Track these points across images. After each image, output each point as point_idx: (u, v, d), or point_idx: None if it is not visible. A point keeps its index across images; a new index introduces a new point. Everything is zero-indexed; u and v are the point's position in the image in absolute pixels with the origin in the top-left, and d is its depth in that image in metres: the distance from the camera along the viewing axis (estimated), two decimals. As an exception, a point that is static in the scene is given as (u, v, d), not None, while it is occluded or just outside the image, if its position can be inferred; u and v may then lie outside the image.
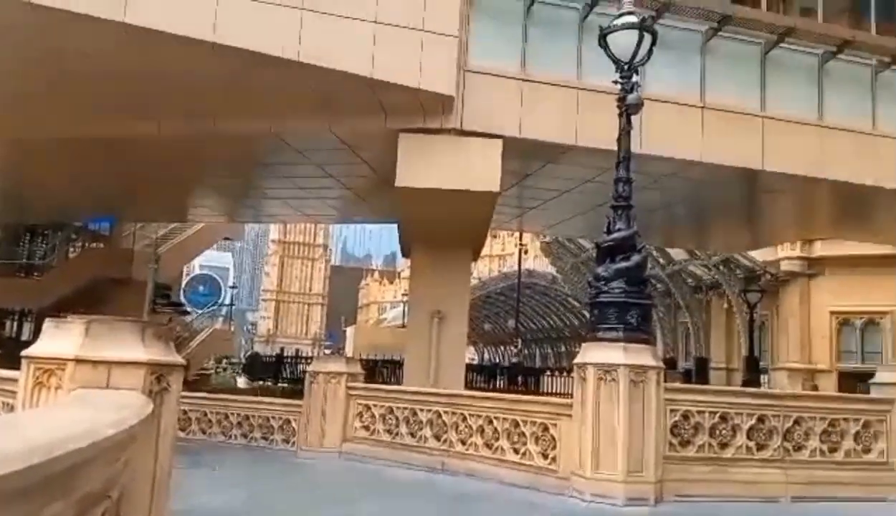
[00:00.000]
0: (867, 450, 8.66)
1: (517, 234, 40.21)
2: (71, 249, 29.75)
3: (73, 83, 12.13)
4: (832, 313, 27.40)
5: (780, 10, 14.33)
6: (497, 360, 60.53)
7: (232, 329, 54.48)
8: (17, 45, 10.96)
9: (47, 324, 3.27)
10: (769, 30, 13.68)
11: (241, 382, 27.42)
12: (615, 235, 8.29)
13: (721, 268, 29.36)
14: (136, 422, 2.25)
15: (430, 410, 9.99)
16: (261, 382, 26.44)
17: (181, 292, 41.89)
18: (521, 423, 8.78)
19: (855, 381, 20.89)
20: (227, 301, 57.80)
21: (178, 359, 3.24)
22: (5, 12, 9.78)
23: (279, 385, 24.01)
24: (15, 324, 28.81)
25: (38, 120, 13.41)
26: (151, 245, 28.79)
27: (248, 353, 56.73)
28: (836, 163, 13.90)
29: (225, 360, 35.11)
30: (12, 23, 10.16)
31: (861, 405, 9.13)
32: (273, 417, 11.61)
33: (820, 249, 27.04)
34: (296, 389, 16.62)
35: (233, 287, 67.66)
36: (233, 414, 11.95)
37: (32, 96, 12.78)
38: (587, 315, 9.25)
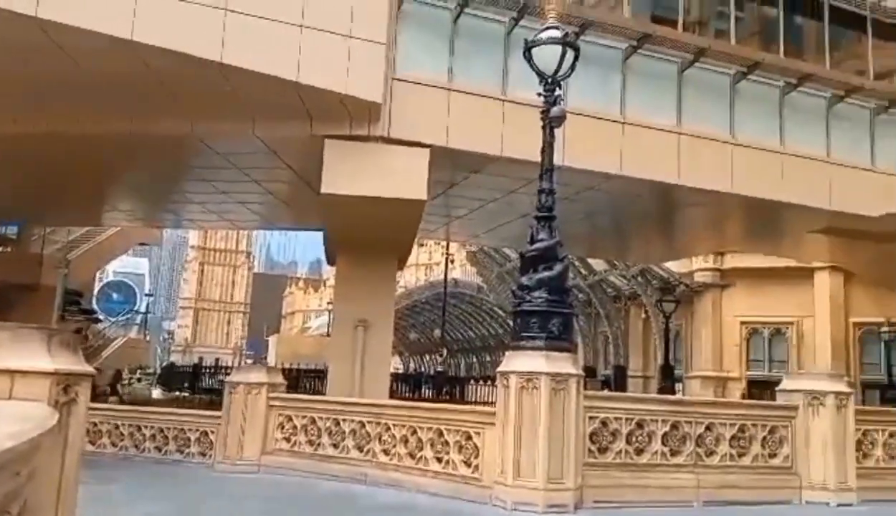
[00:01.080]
0: (773, 455, 9.07)
1: (444, 243, 40.39)
2: (-26, 253, 28.08)
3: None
4: (742, 323, 28.73)
5: (696, 32, 14.94)
6: (423, 370, 60.54)
7: (147, 338, 52.57)
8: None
9: (-57, 332, 3.07)
10: (685, 49, 14.26)
11: (157, 393, 26.43)
12: (538, 245, 8.44)
13: (639, 278, 30.34)
14: (38, 435, 2.14)
15: (353, 420, 9.89)
16: (177, 393, 25.55)
17: (93, 299, 40.13)
18: (444, 432, 8.80)
19: (763, 388, 21.96)
20: (143, 309, 55.70)
21: (87, 368, 3.09)
22: None
23: (197, 396, 23.26)
24: None
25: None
26: (62, 249, 27.48)
27: (165, 363, 54.83)
28: (747, 179, 14.59)
29: (139, 371, 33.80)
30: None
31: (768, 411, 9.56)
32: (189, 429, 11.23)
33: (731, 261, 28.32)
34: (214, 400, 16.17)
35: (149, 294, 65.33)
36: (146, 426, 11.50)
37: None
38: (512, 324, 9.39)
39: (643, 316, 32.16)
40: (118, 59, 10.49)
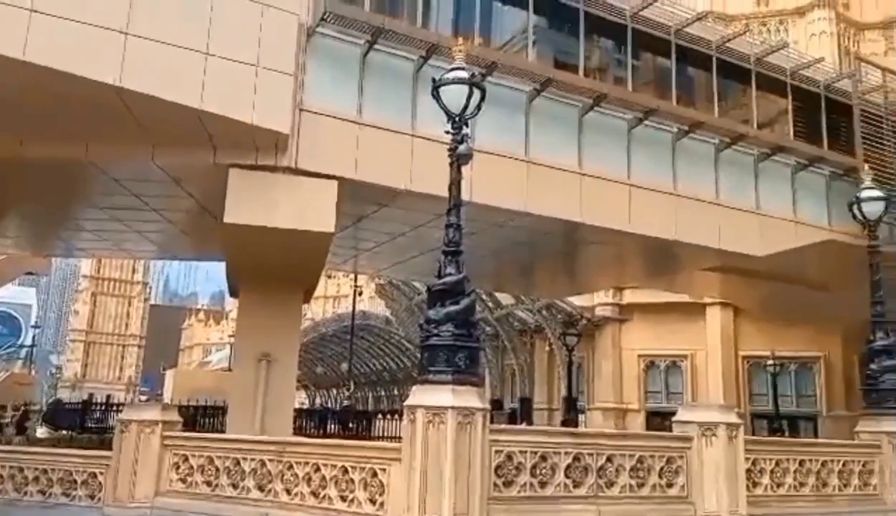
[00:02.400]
0: (670, 485, 9.37)
1: (352, 275, 40.05)
2: None
3: None
4: (640, 356, 29.84)
5: (597, 78, 15.65)
6: (329, 404, 59.40)
7: (34, 373, 49.25)
8: None
9: None
10: (586, 94, 14.89)
11: (42, 432, 24.70)
12: (446, 279, 8.51)
13: (544, 312, 31.05)
14: None
15: (254, 459, 9.55)
16: (64, 432, 23.96)
17: (-29, 332, 37.28)
18: (349, 469, 8.63)
19: (661, 420, 22.79)
20: (29, 341, 52.21)
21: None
22: None
23: (85, 435, 21.89)
24: None
25: None
26: (-64, 278, 25.47)
27: (51, 400, 51.39)
28: (644, 218, 15.29)
29: (23, 407, 31.55)
30: None
31: (665, 443, 9.88)
32: (76, 471, 10.55)
33: (629, 297, 29.45)
34: (105, 439, 15.28)
35: (35, 326, 61.32)
36: (28, 468, 10.72)
37: None
38: (419, 357, 9.39)
39: (548, 349, 32.86)
40: (8, 77, 9.96)
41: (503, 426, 13.77)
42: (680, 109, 15.93)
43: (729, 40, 16.87)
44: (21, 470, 10.72)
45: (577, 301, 29.44)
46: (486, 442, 8.09)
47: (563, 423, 23.85)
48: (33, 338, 52.81)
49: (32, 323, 65.64)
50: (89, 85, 10.10)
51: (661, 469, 9.35)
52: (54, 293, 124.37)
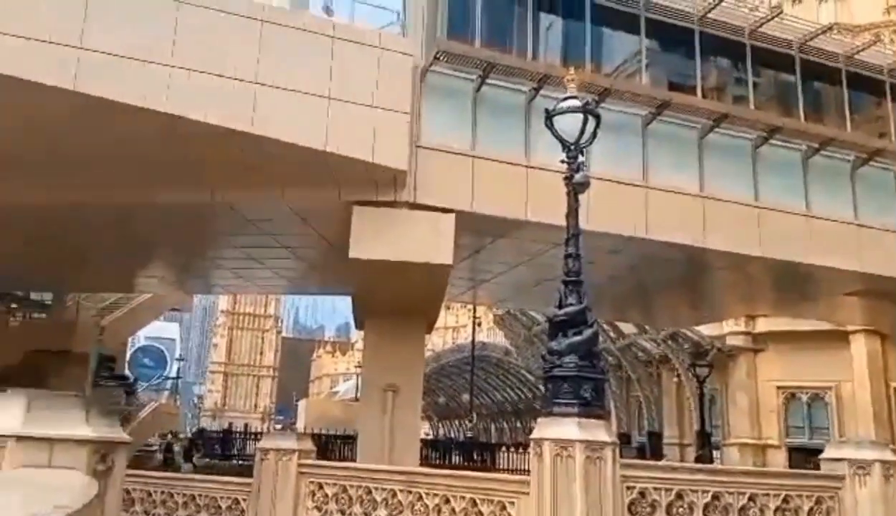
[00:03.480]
0: (821, 527, 8.73)
1: (470, 306, 40.35)
2: (11, 319, 28.68)
3: (16, 151, 11.99)
4: (778, 388, 27.97)
5: (715, 98, 15.16)
6: (452, 435, 59.65)
7: (178, 403, 52.73)
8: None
9: (-14, 400, 3.20)
10: (705, 115, 14.45)
11: (197, 460, 26.39)
12: (567, 310, 8.44)
13: (669, 342, 29.92)
14: (82, 506, 2.21)
15: (385, 489, 9.74)
16: (207, 459, 25.51)
17: (126, 364, 40.56)
18: (478, 502, 8.62)
19: (805, 457, 21.23)
20: (174, 373, 55.99)
21: (124, 436, 3.18)
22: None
23: (227, 462, 23.20)
24: (-54, 397, 27.39)
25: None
26: (96, 315, 27.98)
27: (195, 429, 54.81)
28: (774, 241, 14.53)
29: (170, 436, 33.85)
30: None
31: (813, 481, 9.19)
32: (221, 497, 11.18)
33: (763, 325, 27.80)
34: (244, 466, 16.11)
35: (179, 359, 65.77)
36: (178, 493, 11.47)
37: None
38: (542, 388, 9.31)
39: (676, 380, 31.55)
40: (150, 130, 10.94)
41: (634, 461, 13.33)
42: (808, 126, 15.11)
43: (858, 51, 15.89)
44: (171, 495, 11.46)
45: (705, 330, 28.14)
46: (618, 477, 7.87)
47: (697, 459, 22.72)
48: (178, 370, 56.61)
49: (177, 356, 70.43)
50: (225, 133, 10.92)
51: (810, 509, 8.72)
52: (195, 327, 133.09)
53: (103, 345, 28.21)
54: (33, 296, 28.25)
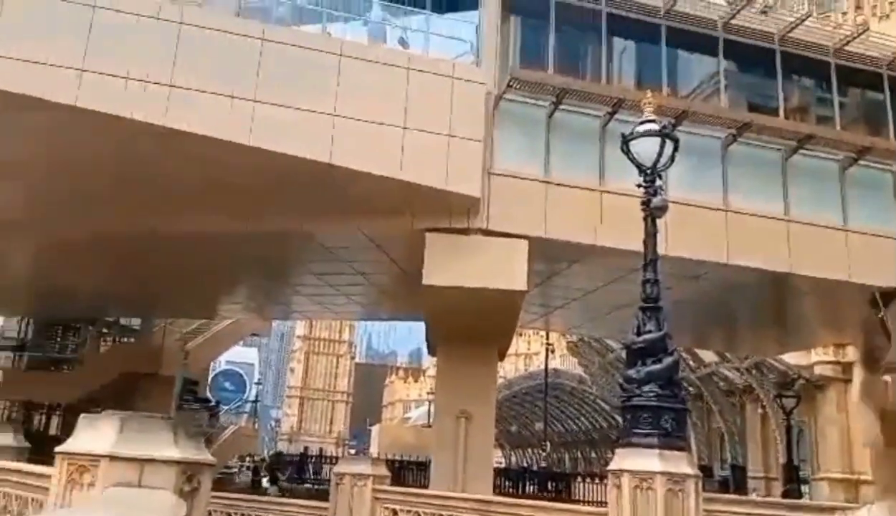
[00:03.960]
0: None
1: (543, 333, 39.91)
2: (102, 344, 30.11)
3: (107, 182, 12.66)
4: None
5: (798, 118, 14.63)
6: (525, 464, 58.82)
7: (256, 426, 54.02)
8: (54, 147, 11.59)
9: (82, 420, 3.35)
10: (788, 136, 13.96)
11: (264, 483, 26.94)
12: (646, 337, 8.24)
13: (753, 371, 28.76)
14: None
15: (458, 516, 9.69)
16: (286, 483, 25.98)
17: (207, 388, 41.88)
18: (553, 532, 8.48)
19: (901, 493, 19.89)
20: (252, 397, 57.39)
21: (209, 457, 3.27)
22: (50, 115, 10.40)
23: (304, 485, 23.55)
24: (43, 418, 28.90)
25: (71, 218, 13.90)
26: (181, 340, 29.06)
27: (272, 452, 55.92)
28: (865, 266, 13.83)
29: (249, 458, 34.66)
30: (52, 125, 10.78)
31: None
32: (298, 519, 11.36)
33: (854, 354, 26.40)
34: (320, 490, 16.29)
35: (258, 383, 67.40)
36: (256, 515, 11.71)
37: (66, 195, 13.33)
38: (618, 418, 9.09)
39: (760, 411, 30.28)
40: (234, 162, 11.38)
41: (717, 494, 12.79)
42: (900, 145, 14.39)
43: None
44: (250, 516, 11.72)
45: (792, 358, 26.94)
46: (700, 511, 7.57)
47: (784, 495, 21.59)
48: (256, 394, 58.00)
49: (255, 380, 72.31)
50: (305, 164, 11.25)
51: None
52: (273, 352, 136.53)
53: (188, 369, 29.22)
54: (123, 321, 29.60)
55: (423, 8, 13.69)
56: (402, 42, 13.31)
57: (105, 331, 29.97)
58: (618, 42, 14.18)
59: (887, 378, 16.32)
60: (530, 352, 69.45)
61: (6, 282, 20.42)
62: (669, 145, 8.59)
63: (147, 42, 10.81)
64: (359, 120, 11.60)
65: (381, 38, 13.08)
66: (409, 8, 13.71)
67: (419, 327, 19.03)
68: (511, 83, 12.74)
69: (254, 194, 12.72)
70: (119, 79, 10.36)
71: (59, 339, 29.15)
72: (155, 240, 14.33)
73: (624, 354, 9.15)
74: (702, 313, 18.24)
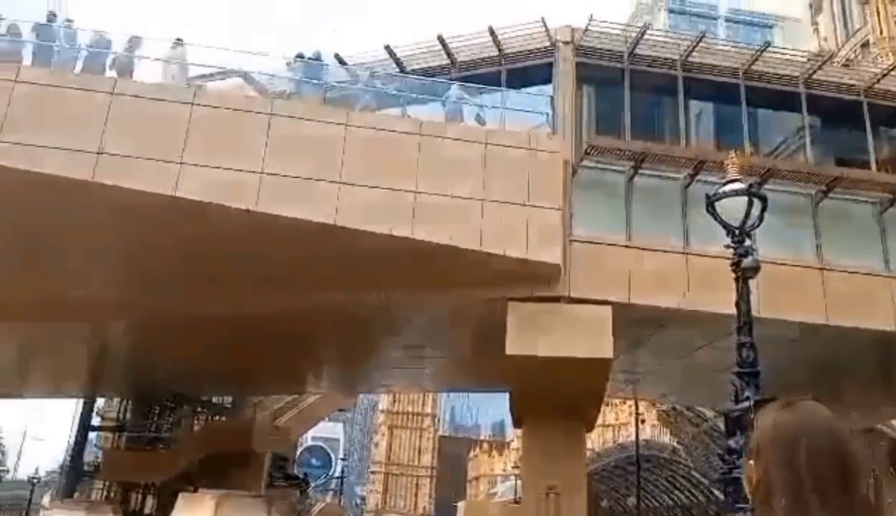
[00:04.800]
0: None
1: (632, 402, 38.59)
2: (195, 422, 30.94)
3: (197, 263, 13.27)
4: None
5: (892, 171, 14.04)
6: (617, 541, 56.10)
7: (342, 503, 53.89)
8: (154, 231, 12.29)
9: (180, 499, 3.44)
10: (883, 190, 13.39)
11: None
12: (745, 404, 7.87)
13: (863, 438, 26.81)
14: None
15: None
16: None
17: (295, 464, 42.22)
18: None
19: None
20: (338, 473, 57.36)
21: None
22: (144, 202, 11.09)
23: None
24: (139, 497, 29.67)
25: (167, 298, 14.56)
26: (271, 417, 29.56)
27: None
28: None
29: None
30: (154, 212, 11.48)
31: None
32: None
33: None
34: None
35: (343, 459, 67.37)
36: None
37: (162, 276, 14.03)
38: (717, 492, 8.62)
39: (871, 481, 28.00)
40: (324, 242, 11.78)
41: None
42: None
43: None
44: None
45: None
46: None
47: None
48: (342, 470, 58.02)
49: (341, 456, 72.46)
50: (388, 240, 11.54)
51: None
52: (358, 427, 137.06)
53: (278, 446, 29.58)
54: (215, 399, 30.43)
55: (498, 85, 14.09)
56: (479, 118, 13.66)
57: (199, 410, 30.82)
58: (694, 104, 14.14)
59: None
60: (619, 423, 67.05)
61: (106, 364, 21.49)
62: (757, 204, 8.37)
63: (240, 134, 11.51)
64: (439, 194, 11.86)
65: (459, 115, 13.44)
66: (484, 86, 14.11)
67: (503, 398, 18.75)
68: (588, 151, 12.82)
69: (339, 271, 13.07)
70: (213, 170, 11.02)
71: (155, 419, 30.12)
72: (246, 318, 14.84)
73: (720, 423, 8.73)
74: (802, 376, 17.27)
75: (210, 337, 17.20)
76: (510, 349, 12.44)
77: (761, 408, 1.84)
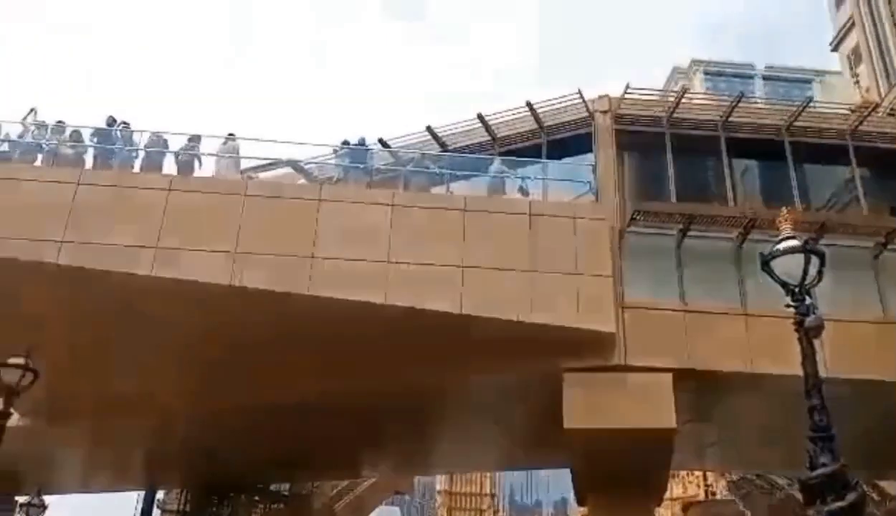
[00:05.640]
0: None
1: (699, 474, 36.98)
2: (253, 511, 30.66)
3: (257, 351, 13.41)
4: None
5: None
6: None
7: (403, 592, 52.14)
8: (213, 323, 12.54)
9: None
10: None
11: None
12: (821, 471, 7.45)
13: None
14: None
15: None
16: None
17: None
18: None
19: None
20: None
21: None
22: (203, 292, 11.38)
23: None
24: (198, 587, 29.25)
25: (221, 388, 14.71)
26: (328, 502, 29.17)
27: None
28: None
29: None
30: (203, 302, 11.74)
31: None
32: None
33: None
34: None
35: (402, 544, 65.58)
36: None
37: (222, 366, 14.19)
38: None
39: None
40: (373, 321, 11.84)
41: None
42: None
43: None
44: None
45: None
46: None
47: None
48: (401, 555, 56.38)
49: (400, 541, 70.63)
50: (439, 316, 11.54)
51: None
52: (415, 509, 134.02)
53: (333, 532, 29.06)
54: (273, 487, 30.21)
55: (538, 157, 14.27)
56: (522, 190, 13.79)
57: (256, 498, 30.59)
58: (738, 163, 14.06)
59: None
60: (687, 496, 64.11)
61: (168, 455, 21.63)
62: (815, 260, 8.16)
63: (291, 220, 11.85)
64: (486, 268, 11.89)
65: (501, 188, 13.60)
66: (525, 159, 14.31)
67: (565, 475, 18.16)
68: (635, 216, 12.77)
69: (390, 351, 13.08)
70: (272, 258, 11.33)
71: (215, 509, 29.97)
72: (305, 404, 14.84)
73: (795, 492, 8.27)
74: (880, 438, 16.36)
75: (270, 424, 17.21)
76: (568, 422, 12.14)
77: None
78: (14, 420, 11.50)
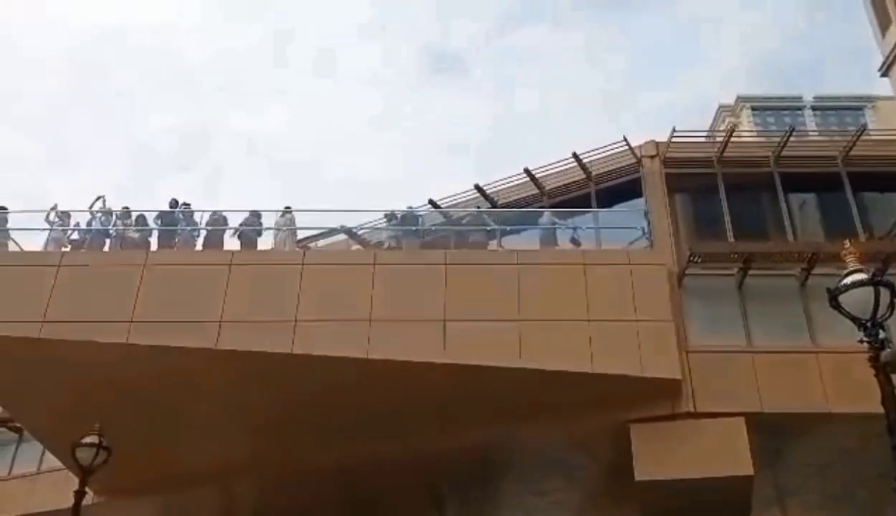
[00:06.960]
0: None
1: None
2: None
3: (320, 414, 13.44)
4: None
5: None
6: None
7: None
8: (283, 390, 12.71)
9: None
10: None
11: None
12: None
13: None
14: None
15: None
16: None
17: None
18: None
19: None
20: None
21: None
22: (264, 362, 11.57)
23: None
24: None
25: (289, 451, 14.73)
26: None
27: None
28: None
29: None
30: (289, 371, 11.93)
31: None
32: None
33: None
34: None
35: None
36: None
37: (285, 431, 14.24)
38: None
39: None
40: (433, 380, 11.84)
41: None
42: None
43: None
44: None
45: None
46: None
47: None
48: None
49: None
50: (497, 372, 11.47)
51: None
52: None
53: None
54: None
55: (588, 206, 14.28)
56: (574, 240, 13.77)
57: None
58: (794, 197, 13.80)
59: None
60: (770, 547, 60.69)
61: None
62: (885, 293, 7.88)
63: (347, 285, 12.06)
64: (542, 320, 11.82)
65: (553, 240, 13.62)
66: (575, 209, 14.33)
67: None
68: (692, 258, 12.59)
69: (451, 409, 13.01)
70: (321, 324, 11.51)
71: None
72: (359, 466, 14.77)
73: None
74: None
75: (320, 488, 17.14)
76: (639, 475, 11.84)
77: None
78: (88, 498, 11.78)
